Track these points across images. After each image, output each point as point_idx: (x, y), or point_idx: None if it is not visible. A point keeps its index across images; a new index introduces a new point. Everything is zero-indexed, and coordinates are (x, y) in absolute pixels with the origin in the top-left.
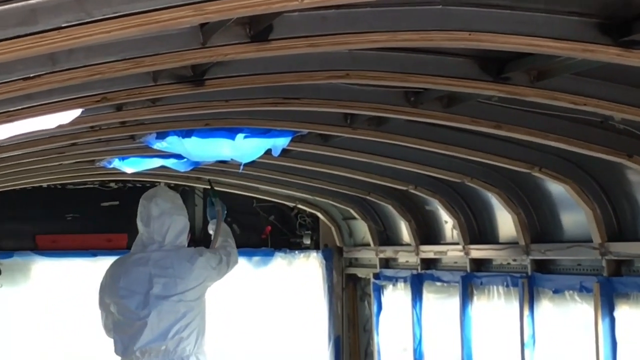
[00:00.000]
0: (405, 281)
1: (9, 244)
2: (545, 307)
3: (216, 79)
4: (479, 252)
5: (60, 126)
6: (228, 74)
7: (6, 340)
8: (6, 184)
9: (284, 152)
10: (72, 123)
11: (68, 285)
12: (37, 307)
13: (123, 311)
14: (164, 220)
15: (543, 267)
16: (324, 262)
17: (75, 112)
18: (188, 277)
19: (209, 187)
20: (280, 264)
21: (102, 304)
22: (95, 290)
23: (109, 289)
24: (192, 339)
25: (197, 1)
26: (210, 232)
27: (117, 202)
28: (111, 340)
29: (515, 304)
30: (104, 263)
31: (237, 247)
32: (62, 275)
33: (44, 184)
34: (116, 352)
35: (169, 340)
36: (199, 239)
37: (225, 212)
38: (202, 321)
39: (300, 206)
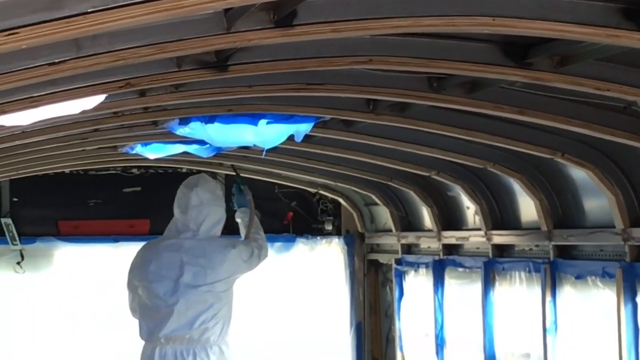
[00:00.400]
0: (427, 267)
1: (32, 230)
2: (568, 292)
3: (240, 64)
4: (501, 237)
5: (83, 112)
6: (251, 59)
7: (28, 325)
8: (29, 170)
9: (307, 137)
10: (96, 109)
11: (90, 271)
12: (59, 293)
13: (151, 296)
14: (201, 210)
15: (565, 252)
16: (346, 248)
17: (99, 98)
18: (219, 268)
19: (233, 173)
20: (302, 249)
21: (131, 286)
22: (117, 275)
23: (139, 271)
24: (217, 329)
25: None
26: (238, 220)
27: (139, 188)
28: (133, 326)
29: (537, 290)
30: (126, 249)
31: None
32: (84, 261)
33: (67, 170)
34: (141, 335)
35: (195, 329)
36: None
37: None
38: (229, 312)
39: (322, 192)
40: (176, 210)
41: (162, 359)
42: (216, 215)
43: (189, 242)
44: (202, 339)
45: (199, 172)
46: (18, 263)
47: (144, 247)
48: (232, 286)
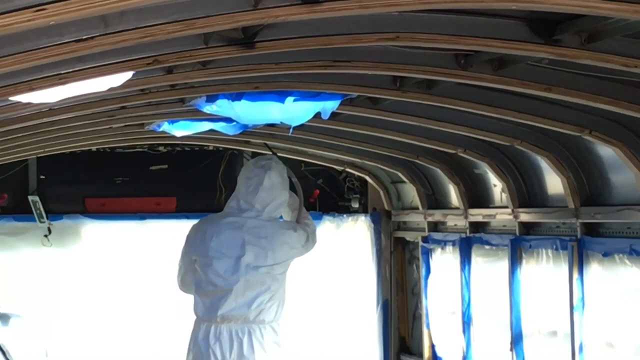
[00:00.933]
0: (453, 244)
1: (59, 207)
2: (595, 270)
3: (267, 41)
4: (528, 215)
5: (111, 89)
6: (278, 36)
7: (54, 301)
8: (56, 148)
9: (333, 115)
10: (123, 86)
11: (117, 247)
12: (86, 269)
13: (210, 272)
14: (271, 193)
15: (592, 230)
16: (372, 225)
17: (126, 75)
18: (279, 251)
19: (269, 153)
20: (329, 227)
21: (186, 259)
22: (143, 252)
23: (198, 246)
24: (273, 311)
25: None
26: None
27: (166, 166)
28: (160, 302)
29: (564, 268)
30: (152, 226)
31: None
32: (111, 238)
33: (94, 148)
34: (196, 311)
35: (252, 310)
36: None
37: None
38: (283, 294)
39: (348, 170)
40: (242, 188)
41: (217, 337)
42: (282, 198)
43: (251, 221)
44: (257, 319)
45: (225, 150)
46: (46, 236)
47: (203, 221)
48: (287, 269)
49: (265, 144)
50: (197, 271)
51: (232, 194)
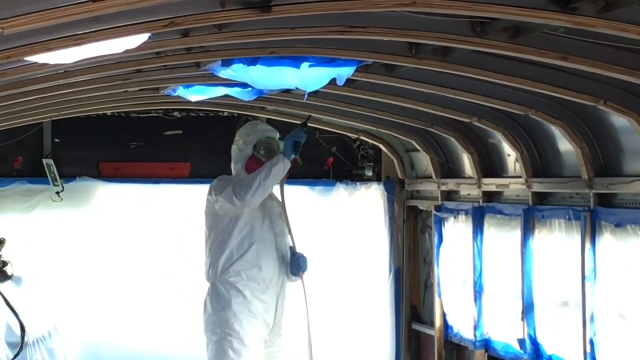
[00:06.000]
0: (466, 214)
1: (73, 171)
2: (607, 240)
3: (283, 5)
4: (541, 185)
5: (126, 51)
6: (295, 0)
7: (66, 263)
8: (71, 111)
9: (348, 82)
10: (139, 48)
11: (130, 210)
12: (99, 230)
13: None
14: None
15: (605, 200)
16: (386, 194)
17: (142, 37)
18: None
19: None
20: (342, 195)
21: None
22: (157, 215)
23: None
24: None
25: None
26: None
27: (180, 131)
28: (171, 265)
29: (576, 238)
30: (166, 190)
31: (300, 177)
32: (124, 200)
33: (109, 112)
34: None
35: None
36: None
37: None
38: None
39: (362, 138)
40: None
41: None
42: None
43: None
44: None
45: (240, 115)
46: (57, 193)
47: None
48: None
49: (309, 116)
50: None
51: None
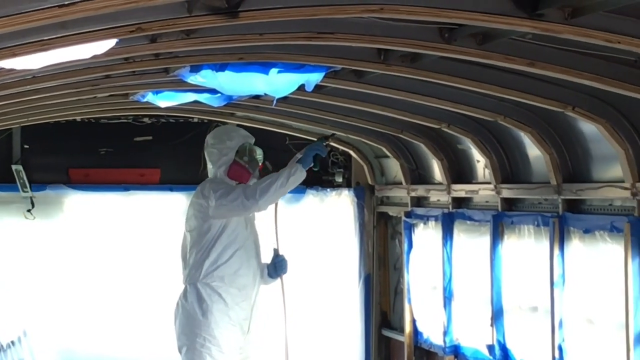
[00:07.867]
0: (436, 220)
1: (42, 177)
2: (576, 246)
3: (251, 11)
4: (510, 191)
5: (94, 57)
6: (262, 6)
7: (37, 271)
8: (40, 117)
9: (317, 88)
10: (107, 54)
11: (101, 218)
12: (69, 240)
13: None
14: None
15: (574, 206)
16: (356, 200)
17: (110, 43)
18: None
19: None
20: (312, 201)
21: None
22: (127, 224)
23: None
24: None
25: None
26: None
27: (150, 137)
28: (142, 273)
29: (545, 244)
30: (136, 197)
31: None
32: (94, 209)
33: (78, 118)
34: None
35: None
36: None
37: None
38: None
39: (332, 144)
40: None
41: None
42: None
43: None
44: None
45: (210, 122)
46: (29, 210)
47: None
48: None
49: (333, 134)
50: None
51: None
